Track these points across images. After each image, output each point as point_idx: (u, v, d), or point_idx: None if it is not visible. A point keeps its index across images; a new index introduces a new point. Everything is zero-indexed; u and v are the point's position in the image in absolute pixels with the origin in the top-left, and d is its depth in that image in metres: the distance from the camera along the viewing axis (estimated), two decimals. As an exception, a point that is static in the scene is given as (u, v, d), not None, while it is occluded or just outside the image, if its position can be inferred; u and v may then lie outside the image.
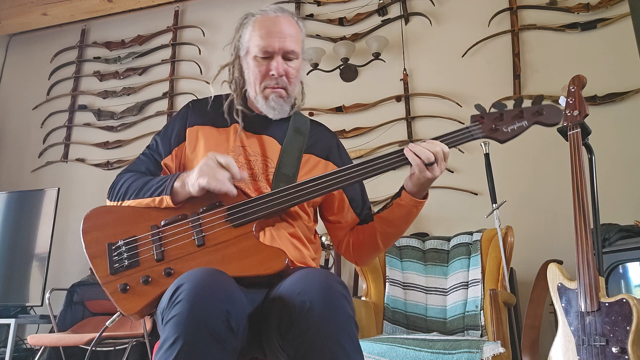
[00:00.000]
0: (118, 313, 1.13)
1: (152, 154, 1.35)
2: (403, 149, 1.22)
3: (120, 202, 1.26)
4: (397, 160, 1.22)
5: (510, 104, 1.27)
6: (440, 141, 1.23)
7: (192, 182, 1.16)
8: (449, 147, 1.22)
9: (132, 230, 1.18)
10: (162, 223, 1.18)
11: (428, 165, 1.18)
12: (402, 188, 1.30)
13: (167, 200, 1.19)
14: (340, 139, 1.51)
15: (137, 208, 1.22)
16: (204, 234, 1.16)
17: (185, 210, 1.19)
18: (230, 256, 1.12)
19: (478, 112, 1.27)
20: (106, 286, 1.13)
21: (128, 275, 1.12)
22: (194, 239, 1.15)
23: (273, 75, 1.29)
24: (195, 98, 1.44)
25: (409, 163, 1.21)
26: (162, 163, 1.33)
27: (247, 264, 1.10)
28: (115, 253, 1.16)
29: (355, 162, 1.27)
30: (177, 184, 1.19)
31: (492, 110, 1.27)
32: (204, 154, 1.27)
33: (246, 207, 1.17)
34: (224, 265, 1.08)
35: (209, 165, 1.16)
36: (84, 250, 1.18)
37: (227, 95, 1.40)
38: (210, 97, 1.42)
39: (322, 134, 1.44)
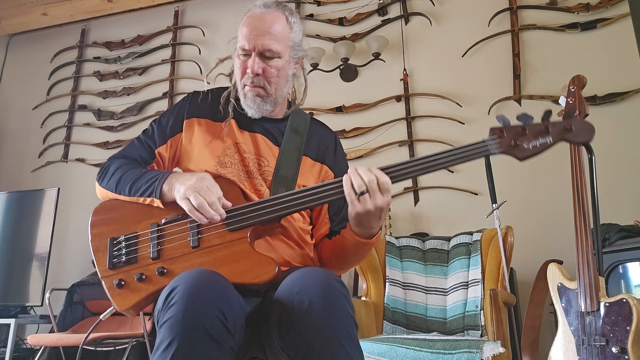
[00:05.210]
0: (112, 307, 1.14)
1: (147, 140, 1.35)
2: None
3: (108, 191, 1.26)
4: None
5: (538, 116, 1.13)
6: (451, 154, 1.11)
7: (179, 197, 1.15)
8: (462, 162, 1.10)
9: (134, 227, 1.20)
10: (163, 221, 1.19)
11: (359, 194, 1.08)
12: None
13: (157, 202, 1.19)
14: (340, 139, 1.48)
15: (142, 204, 1.22)
16: (199, 235, 1.15)
17: None
18: (221, 259, 1.12)
19: (499, 124, 1.12)
20: (104, 280, 1.14)
21: (125, 272, 1.14)
22: (190, 240, 1.15)
23: (248, 73, 1.28)
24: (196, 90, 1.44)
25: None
26: (155, 152, 1.33)
27: (237, 268, 1.10)
28: (116, 248, 1.17)
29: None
30: (165, 188, 1.19)
31: (516, 122, 1.12)
32: (199, 148, 1.29)
33: (245, 212, 1.16)
34: (215, 269, 1.08)
35: (197, 191, 1.13)
36: (89, 242, 1.20)
37: (227, 88, 1.39)
38: (212, 89, 1.41)
39: (320, 134, 1.40)
